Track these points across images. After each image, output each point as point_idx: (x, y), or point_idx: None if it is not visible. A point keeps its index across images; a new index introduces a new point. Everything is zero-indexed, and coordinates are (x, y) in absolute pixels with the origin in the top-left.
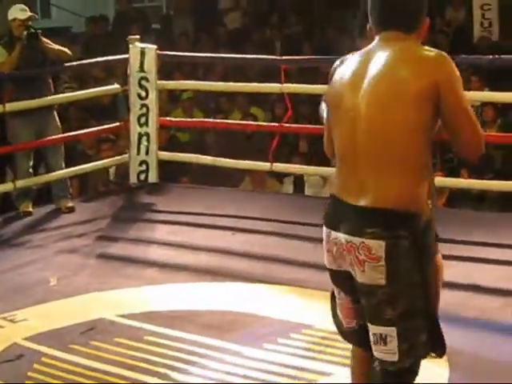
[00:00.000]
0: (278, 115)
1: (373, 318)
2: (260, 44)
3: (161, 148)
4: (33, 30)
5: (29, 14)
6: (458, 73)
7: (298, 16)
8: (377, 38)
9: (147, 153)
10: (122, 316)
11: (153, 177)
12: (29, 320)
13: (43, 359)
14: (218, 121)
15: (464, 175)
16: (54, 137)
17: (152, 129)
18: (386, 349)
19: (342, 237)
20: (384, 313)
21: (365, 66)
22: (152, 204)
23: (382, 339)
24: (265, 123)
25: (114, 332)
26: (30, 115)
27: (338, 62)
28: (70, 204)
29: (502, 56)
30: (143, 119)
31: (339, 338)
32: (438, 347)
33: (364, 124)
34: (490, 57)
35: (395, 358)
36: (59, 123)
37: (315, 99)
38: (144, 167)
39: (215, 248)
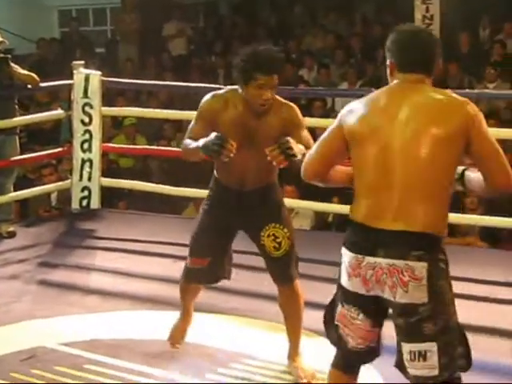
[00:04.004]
0: None
1: (412, 336)
2: (203, 71)
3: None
4: (2, 55)
5: None
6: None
7: (243, 44)
8: (401, 78)
9: (89, 179)
10: (64, 344)
11: (95, 203)
12: None
13: None
14: (162, 148)
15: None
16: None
17: (95, 155)
18: (426, 364)
19: (382, 261)
20: (425, 329)
21: (398, 106)
22: (94, 230)
23: (422, 355)
24: None
25: (54, 360)
26: None
27: (351, 103)
28: (12, 228)
29: None
30: (86, 145)
31: (279, 367)
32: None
33: (403, 159)
34: None
35: (435, 372)
36: (18, 147)
37: None
38: (86, 193)
39: (156, 276)
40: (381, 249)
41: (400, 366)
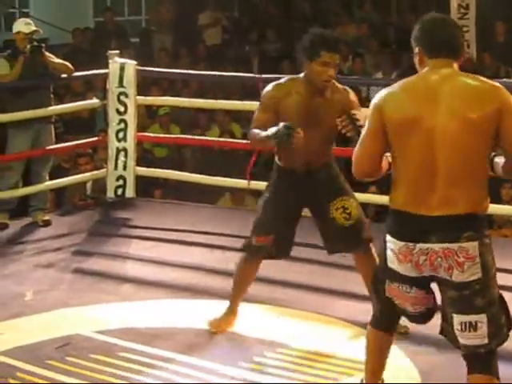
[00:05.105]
0: None
1: (463, 309)
2: (238, 61)
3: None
4: (36, 44)
5: (33, 28)
6: None
7: (277, 33)
8: (430, 64)
9: (125, 168)
10: (98, 332)
11: (130, 192)
12: (4, 334)
13: (18, 374)
14: (196, 137)
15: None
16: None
17: (130, 144)
18: (476, 334)
19: (435, 246)
20: (476, 301)
21: (435, 94)
22: (129, 219)
23: (472, 326)
24: (243, 141)
25: (89, 348)
26: (27, 126)
27: (384, 91)
28: (47, 217)
29: None
30: (121, 134)
31: (314, 357)
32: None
33: (446, 145)
34: None
35: (485, 341)
36: (54, 137)
37: None
38: (121, 182)
39: (193, 265)
40: (432, 235)
41: (448, 335)
